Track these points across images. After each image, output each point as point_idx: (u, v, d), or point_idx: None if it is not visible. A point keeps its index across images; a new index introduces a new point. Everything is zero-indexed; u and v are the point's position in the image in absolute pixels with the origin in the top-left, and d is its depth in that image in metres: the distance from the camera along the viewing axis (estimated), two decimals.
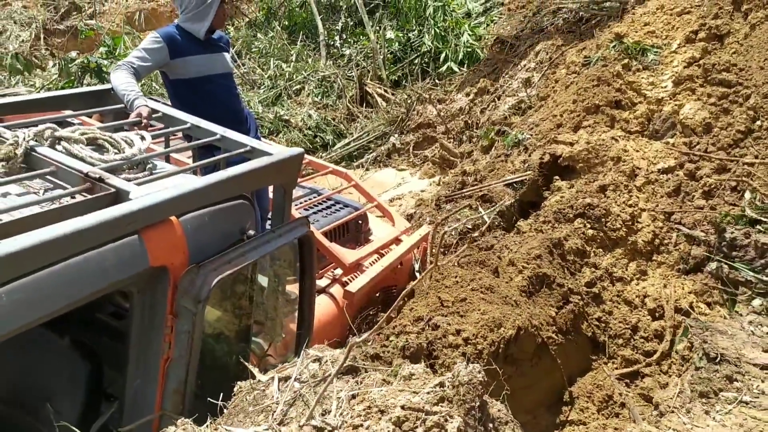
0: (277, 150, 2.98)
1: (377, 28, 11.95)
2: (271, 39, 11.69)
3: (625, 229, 5.70)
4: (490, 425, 1.96)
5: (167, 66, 3.95)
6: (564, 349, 4.73)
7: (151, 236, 2.17)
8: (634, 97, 6.78)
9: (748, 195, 4.40)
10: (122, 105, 3.39)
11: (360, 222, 4.87)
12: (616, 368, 4.70)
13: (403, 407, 1.84)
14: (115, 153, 2.61)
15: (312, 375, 2.21)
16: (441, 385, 1.95)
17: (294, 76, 11.01)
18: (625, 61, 6.95)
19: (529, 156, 6.54)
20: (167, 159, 3.27)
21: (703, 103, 6.42)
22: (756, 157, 5.80)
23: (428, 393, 1.93)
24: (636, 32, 7.31)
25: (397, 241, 4.82)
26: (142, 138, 2.77)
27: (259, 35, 11.87)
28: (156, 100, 3.58)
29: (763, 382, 2.45)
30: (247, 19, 12.83)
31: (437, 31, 11.13)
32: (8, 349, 2.04)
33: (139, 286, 2.23)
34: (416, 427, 1.80)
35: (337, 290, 4.23)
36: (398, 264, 4.92)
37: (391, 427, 1.76)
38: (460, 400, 1.88)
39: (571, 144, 6.43)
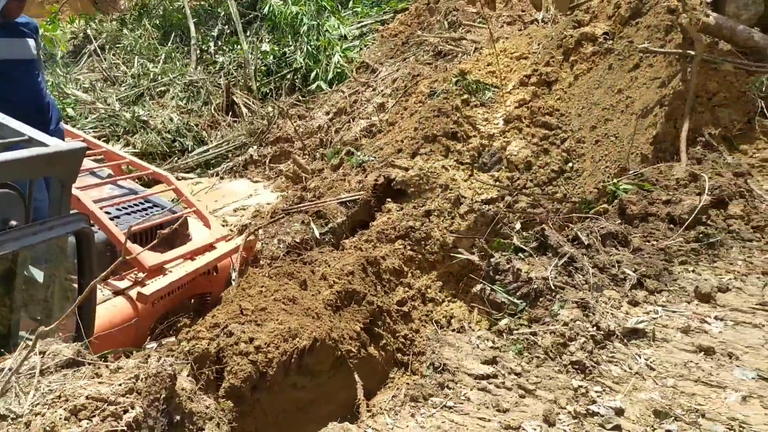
0: (55, 143, 2.98)
1: (254, 39, 11.99)
2: (139, 37, 11.43)
3: (442, 253, 6.05)
4: (178, 417, 2.08)
5: None
6: (366, 363, 4.95)
7: None
8: (469, 130, 7.23)
9: (518, 225, 4.83)
10: None
11: (178, 226, 4.89)
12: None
13: (87, 397, 1.93)
14: None
15: (31, 367, 2.25)
16: (135, 377, 2.06)
17: (159, 77, 10.81)
18: (465, 96, 7.42)
19: (366, 177, 6.80)
20: None
21: (527, 142, 6.96)
22: (564, 195, 6.37)
23: (120, 384, 2.03)
24: (479, 70, 7.83)
25: (210, 247, 4.87)
26: None
27: (125, 31, 11.57)
28: None
29: (471, 390, 2.74)
30: (118, 14, 12.48)
31: (310, 49, 11.32)
32: None
33: None
34: (93, 416, 1.89)
35: (135, 293, 4.23)
36: (212, 271, 4.97)
37: (66, 415, 1.85)
38: (147, 391, 2.00)
39: (406, 169, 6.76)
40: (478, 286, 3.75)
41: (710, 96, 6.00)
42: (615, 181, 4.92)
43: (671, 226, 4.36)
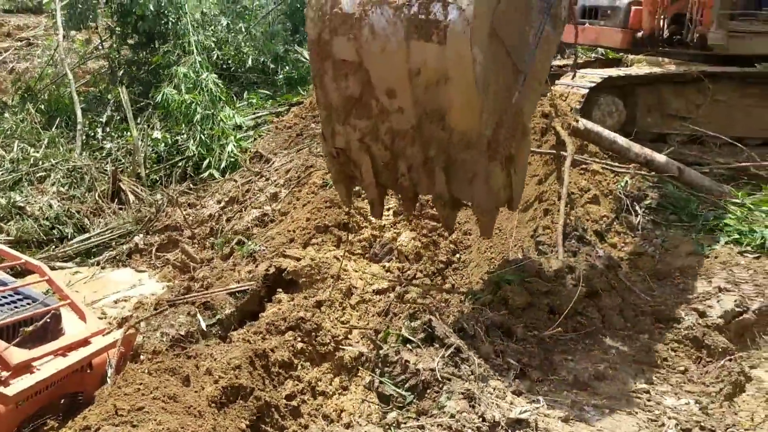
0: None
1: (144, 126, 11.83)
2: (21, 121, 11.00)
3: (333, 344, 5.98)
4: None
5: None
6: None
7: None
8: (360, 221, 7.37)
9: (408, 322, 4.86)
10: None
11: (48, 320, 4.58)
12: None
13: None
14: None
15: None
16: None
17: (41, 162, 10.36)
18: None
19: (256, 267, 6.71)
20: None
21: (417, 234, 7.17)
22: (452, 285, 6.56)
23: None
24: None
25: (85, 342, 4.58)
26: None
27: (6, 114, 11.12)
28: None
29: None
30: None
31: (203, 137, 11.29)
32: None
33: None
34: None
35: None
36: (86, 368, 4.66)
37: None
38: None
39: (298, 259, 6.73)
40: (368, 378, 3.72)
41: (582, 193, 6.48)
42: (499, 272, 5.12)
43: (551, 315, 4.57)
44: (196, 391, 4.67)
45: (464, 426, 3.16)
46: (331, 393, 5.66)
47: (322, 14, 4.25)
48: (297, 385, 5.53)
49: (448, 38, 3.72)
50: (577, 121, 6.94)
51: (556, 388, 3.76)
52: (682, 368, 4.16)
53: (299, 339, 5.92)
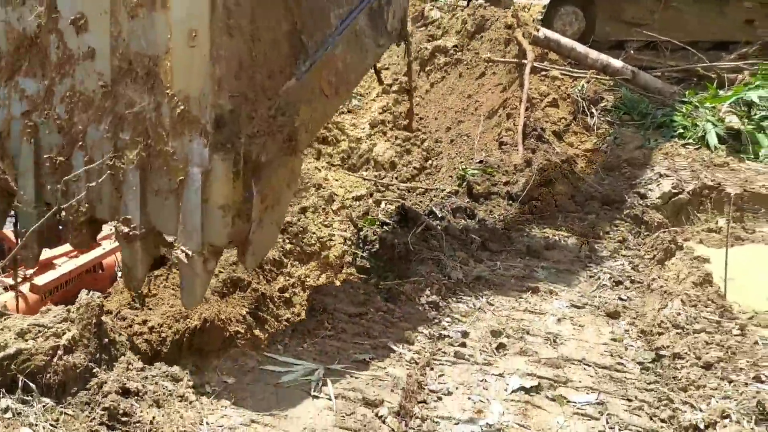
0: None
1: None
2: None
3: (319, 245, 6.57)
4: (107, 340, 2.49)
5: None
6: (252, 342, 5.37)
7: None
8: (338, 135, 7.85)
9: (383, 205, 5.49)
10: None
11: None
12: None
13: (29, 324, 2.31)
14: None
15: None
16: (68, 311, 2.45)
17: None
18: None
19: None
20: None
21: (391, 144, 7.68)
22: (425, 190, 7.15)
23: (55, 316, 2.42)
24: None
25: (96, 245, 5.11)
26: None
27: None
28: None
29: (346, 324, 3.31)
30: None
31: None
32: None
33: None
34: (37, 336, 2.27)
35: (26, 287, 4.42)
36: (98, 268, 5.20)
37: (15, 336, 2.22)
38: (79, 318, 2.39)
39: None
40: (349, 258, 4.32)
41: (542, 98, 7.00)
42: (463, 167, 5.69)
43: (510, 202, 5.18)
44: None
45: (433, 282, 3.79)
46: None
47: None
48: (288, 280, 6.14)
49: None
50: (538, 30, 7.39)
51: (512, 257, 4.41)
52: (620, 239, 4.82)
53: (287, 241, 6.49)
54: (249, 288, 5.76)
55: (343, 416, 2.48)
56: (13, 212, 4.62)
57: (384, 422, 2.48)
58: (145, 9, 2.55)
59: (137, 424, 2.20)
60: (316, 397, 2.60)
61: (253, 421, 2.40)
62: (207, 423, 2.35)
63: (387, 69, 8.64)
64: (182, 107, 2.53)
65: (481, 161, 5.57)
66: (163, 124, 2.60)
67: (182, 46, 2.50)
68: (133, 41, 2.62)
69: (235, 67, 2.53)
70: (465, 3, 8.80)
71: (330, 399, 2.58)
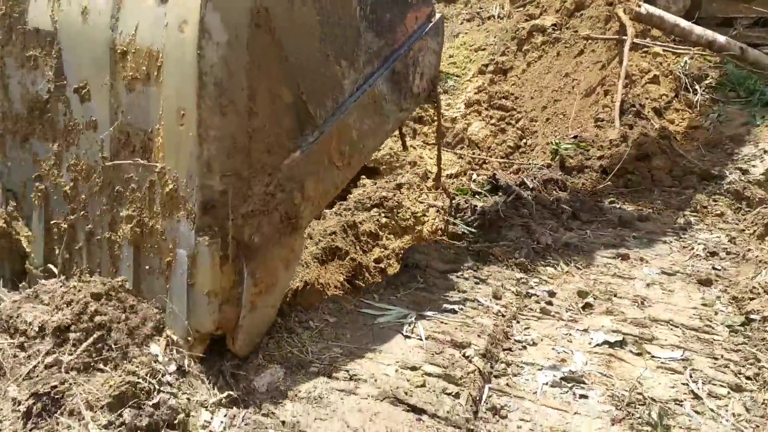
0: None
1: None
2: None
3: (413, 220, 6.80)
4: None
5: None
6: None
7: None
8: (433, 115, 8.03)
9: (475, 176, 5.62)
10: None
11: None
12: None
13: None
14: None
15: None
16: None
17: None
18: None
19: None
20: None
21: (486, 123, 7.78)
22: (518, 169, 7.21)
23: None
24: (441, 62, 8.65)
25: None
26: None
27: None
28: None
29: (437, 279, 3.50)
30: None
31: None
32: None
33: None
34: None
35: None
36: None
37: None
38: None
39: (378, 150, 7.52)
40: (442, 224, 4.50)
41: (642, 74, 6.88)
42: (556, 140, 5.73)
43: (603, 176, 5.19)
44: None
45: (522, 246, 3.92)
46: None
47: None
48: (383, 252, 6.41)
49: None
50: (640, 6, 7.24)
51: (603, 227, 4.45)
52: (719, 213, 4.73)
53: (383, 215, 6.76)
54: (347, 257, 6.08)
55: (433, 354, 2.68)
56: None
57: (470, 362, 2.66)
58: (141, 83, 2.48)
59: None
60: (408, 336, 2.82)
61: (351, 353, 2.65)
62: (311, 352, 2.62)
63: (483, 50, 8.72)
64: (171, 186, 2.43)
65: (575, 136, 5.60)
66: (155, 201, 2.52)
67: (172, 124, 2.39)
68: (130, 114, 2.56)
69: (227, 147, 2.37)
70: None
71: (421, 339, 2.79)
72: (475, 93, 8.04)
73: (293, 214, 2.69)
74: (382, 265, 6.39)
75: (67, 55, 2.74)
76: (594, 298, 3.43)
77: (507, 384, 2.68)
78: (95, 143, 2.70)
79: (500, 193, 4.65)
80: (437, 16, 3.21)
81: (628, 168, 5.21)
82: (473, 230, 4.36)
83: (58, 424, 1.96)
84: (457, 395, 2.46)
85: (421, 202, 7.03)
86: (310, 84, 2.60)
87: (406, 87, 3.25)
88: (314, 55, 2.61)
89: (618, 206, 4.77)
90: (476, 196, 4.64)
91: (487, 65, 8.34)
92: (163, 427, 2.06)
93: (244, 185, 2.44)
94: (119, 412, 2.02)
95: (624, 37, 6.93)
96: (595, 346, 2.97)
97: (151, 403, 2.11)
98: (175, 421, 2.09)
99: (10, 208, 3.07)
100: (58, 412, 2.00)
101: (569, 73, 7.71)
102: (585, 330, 3.10)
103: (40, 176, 2.95)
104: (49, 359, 2.16)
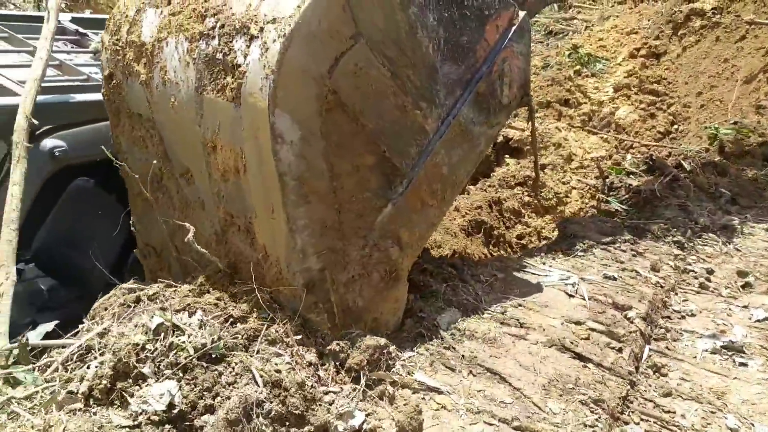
0: None
1: None
2: None
3: (555, 200, 6.92)
4: None
5: None
6: None
7: None
8: (580, 98, 8.02)
9: (629, 157, 5.63)
10: None
11: None
12: None
13: None
14: None
15: None
16: None
17: None
18: (577, 67, 8.21)
19: None
20: None
21: (635, 108, 7.69)
22: (669, 153, 7.09)
23: None
24: (590, 45, 8.59)
25: None
26: None
27: None
28: None
29: (595, 249, 3.66)
30: None
31: None
32: None
33: None
34: None
35: None
36: None
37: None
38: None
39: (522, 130, 7.65)
40: (594, 202, 4.63)
41: None
42: (715, 125, 5.63)
43: (765, 163, 5.07)
44: (450, 220, 5.92)
45: (679, 225, 3.99)
46: (553, 239, 6.65)
47: (117, 41, 3.01)
48: (525, 229, 6.59)
49: (243, 94, 2.31)
50: None
51: (764, 213, 4.39)
52: None
53: (526, 194, 6.93)
54: (491, 231, 6.32)
55: (596, 312, 2.89)
56: None
57: (632, 323, 2.84)
58: (233, 175, 2.51)
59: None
60: (572, 296, 3.04)
61: (519, 305, 2.91)
62: (483, 300, 2.91)
63: (636, 33, 8.56)
64: (275, 269, 2.48)
65: (735, 122, 5.48)
66: (265, 276, 2.54)
67: (264, 216, 2.43)
68: (229, 200, 2.61)
69: (318, 231, 2.41)
70: None
71: (584, 299, 3.00)
72: (625, 77, 7.94)
73: (392, 269, 2.70)
74: (523, 242, 6.59)
75: (167, 140, 2.86)
76: (754, 278, 3.46)
77: (667, 347, 2.83)
78: (206, 220, 2.80)
79: (656, 174, 4.69)
80: (520, 15, 2.94)
81: None
82: (627, 208, 4.45)
83: None
84: (620, 350, 2.66)
85: (564, 184, 7.12)
86: (392, 140, 2.54)
87: (494, 102, 2.99)
88: (391, 111, 2.51)
89: None
90: (630, 176, 4.70)
91: (639, 49, 8.20)
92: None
93: (339, 255, 2.50)
94: None
95: None
96: (755, 322, 3.04)
97: None
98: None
99: (153, 261, 3.24)
100: None
101: (728, 58, 7.44)
102: (745, 306, 3.18)
103: (166, 241, 3.09)
104: None
